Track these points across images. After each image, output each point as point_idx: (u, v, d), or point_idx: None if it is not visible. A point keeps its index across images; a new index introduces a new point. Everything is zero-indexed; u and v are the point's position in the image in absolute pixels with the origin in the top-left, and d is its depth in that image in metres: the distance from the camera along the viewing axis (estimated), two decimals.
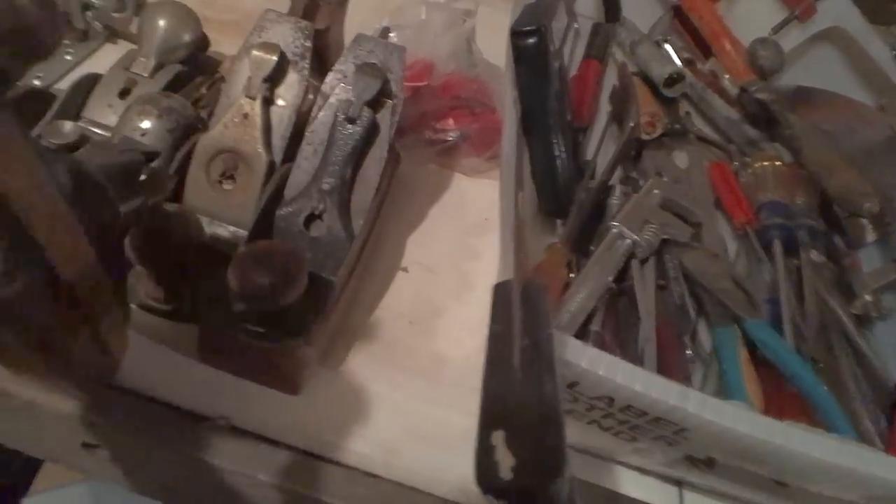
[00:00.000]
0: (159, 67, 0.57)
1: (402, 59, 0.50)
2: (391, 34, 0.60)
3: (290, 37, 0.51)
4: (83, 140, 0.51)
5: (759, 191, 0.64)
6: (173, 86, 0.57)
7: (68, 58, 0.60)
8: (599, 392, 0.34)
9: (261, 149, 0.50)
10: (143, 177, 0.39)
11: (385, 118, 0.50)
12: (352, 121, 0.48)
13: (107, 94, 0.55)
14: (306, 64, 0.51)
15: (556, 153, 0.54)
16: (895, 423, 0.49)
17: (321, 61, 0.54)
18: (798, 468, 0.35)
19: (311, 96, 0.52)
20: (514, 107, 0.49)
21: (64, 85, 0.56)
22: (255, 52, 0.50)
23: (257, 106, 0.50)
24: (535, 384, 0.23)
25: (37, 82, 0.58)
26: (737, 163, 0.69)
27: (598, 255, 0.52)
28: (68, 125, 0.50)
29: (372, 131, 0.49)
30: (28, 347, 0.27)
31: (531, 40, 0.51)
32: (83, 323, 0.30)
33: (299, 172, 0.50)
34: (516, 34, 0.51)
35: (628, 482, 0.46)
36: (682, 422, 0.34)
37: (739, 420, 0.33)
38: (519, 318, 0.27)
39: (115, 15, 0.60)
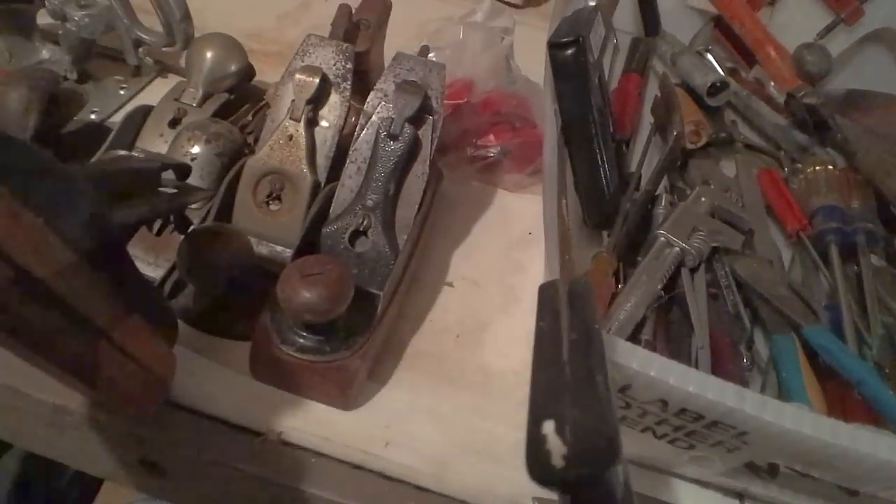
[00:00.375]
0: (207, 97, 0.59)
1: (441, 76, 0.51)
2: (430, 54, 0.61)
3: (331, 59, 0.52)
4: None
5: (812, 196, 0.62)
6: (221, 114, 0.59)
7: (122, 92, 0.63)
8: (652, 395, 0.34)
9: (306, 169, 0.51)
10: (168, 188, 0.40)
11: (426, 134, 0.50)
12: (394, 137, 0.49)
13: (158, 125, 0.57)
14: (348, 85, 0.52)
15: (600, 164, 0.54)
16: None
17: (363, 83, 0.55)
18: (866, 472, 0.33)
19: (353, 118, 0.53)
20: (555, 119, 0.49)
21: (119, 118, 0.58)
22: (298, 76, 0.51)
23: (301, 127, 0.51)
24: (585, 375, 0.23)
25: (93, 117, 0.60)
26: (787, 169, 0.67)
27: (646, 263, 0.51)
28: (120, 154, 0.52)
29: (414, 147, 0.50)
30: (22, 345, 0.28)
31: (569, 51, 0.51)
32: (78, 324, 0.30)
33: (344, 191, 0.50)
34: (554, 46, 0.51)
35: (687, 495, 0.44)
36: (741, 425, 0.33)
37: (802, 421, 0.32)
38: (566, 314, 0.26)
39: (165, 49, 0.62)
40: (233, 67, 0.61)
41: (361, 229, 0.48)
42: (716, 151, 0.71)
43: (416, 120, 0.50)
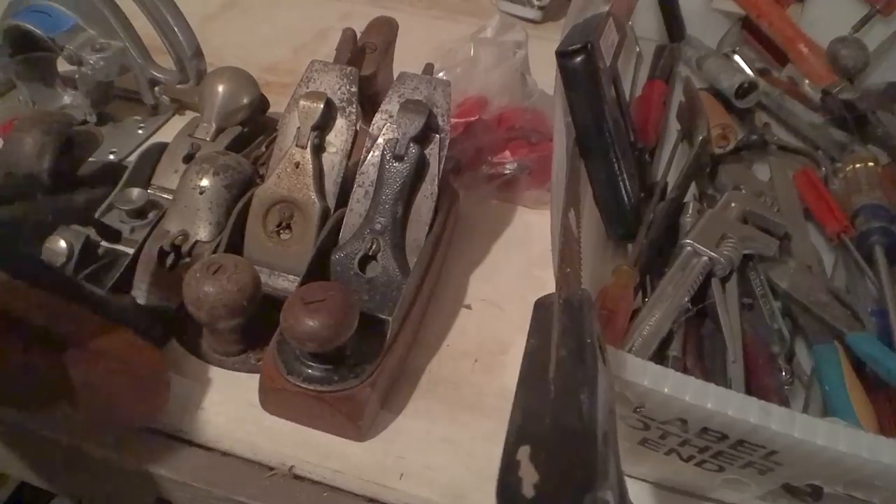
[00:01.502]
0: (221, 131, 0.59)
1: (446, 93, 0.50)
2: (440, 73, 0.60)
3: (336, 84, 0.52)
4: (150, 205, 0.53)
5: (853, 195, 0.58)
6: (235, 146, 0.59)
7: (140, 132, 0.64)
8: (669, 414, 0.31)
9: (314, 196, 0.50)
10: None
11: (433, 152, 0.49)
12: (399, 158, 0.48)
13: (173, 161, 0.57)
14: (353, 109, 0.52)
15: (618, 175, 0.51)
16: None
17: (372, 106, 0.54)
18: None
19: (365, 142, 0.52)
20: (565, 130, 0.47)
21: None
22: (302, 102, 0.50)
23: (308, 154, 0.50)
24: (569, 396, 0.21)
25: (112, 157, 0.61)
26: (824, 169, 0.64)
27: (671, 274, 0.48)
28: (136, 192, 0.53)
29: (421, 167, 0.48)
30: None
31: (578, 59, 0.49)
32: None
33: (353, 215, 0.49)
34: (563, 55, 0.49)
35: None
36: (768, 443, 0.30)
37: (836, 437, 0.29)
38: (558, 330, 0.24)
39: (180, 87, 0.63)
40: (245, 100, 0.61)
41: (371, 254, 0.47)
42: (748, 155, 0.68)
43: (422, 139, 0.49)
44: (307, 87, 0.52)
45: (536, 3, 0.89)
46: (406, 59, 0.60)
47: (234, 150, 0.59)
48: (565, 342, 0.24)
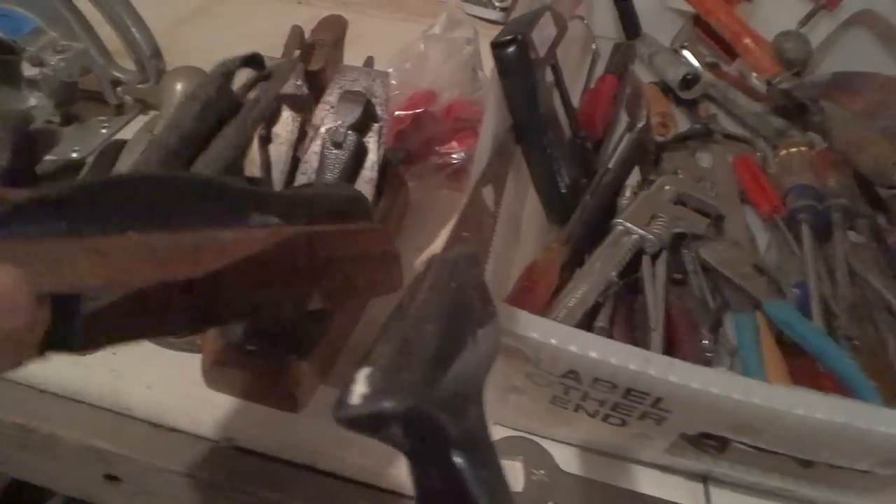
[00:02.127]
0: None
1: (385, 84, 0.52)
2: (390, 69, 0.62)
3: None
4: None
5: (786, 177, 0.60)
6: None
7: (104, 131, 0.66)
8: (562, 367, 0.33)
9: None
10: None
11: (372, 140, 0.51)
12: (338, 145, 0.50)
13: (131, 158, 0.59)
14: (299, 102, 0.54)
15: (552, 159, 0.54)
16: None
17: (319, 100, 0.56)
18: (799, 434, 0.32)
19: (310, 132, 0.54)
20: (492, 119, 0.49)
21: None
22: (249, 95, 0.53)
23: (255, 145, 0.53)
24: (417, 327, 0.23)
25: (74, 155, 0.63)
26: (759, 154, 0.66)
27: (601, 251, 0.50)
28: None
29: (359, 154, 0.51)
30: None
31: (510, 49, 0.51)
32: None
33: None
34: (496, 46, 0.52)
35: (649, 481, 0.43)
36: (651, 389, 0.32)
37: (710, 381, 0.31)
38: (430, 277, 0.27)
39: (140, 86, 0.66)
40: None
41: None
42: (694, 143, 0.70)
43: (361, 127, 0.51)
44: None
45: (498, 4, 0.92)
46: (362, 53, 0.62)
47: None
48: (434, 286, 0.26)
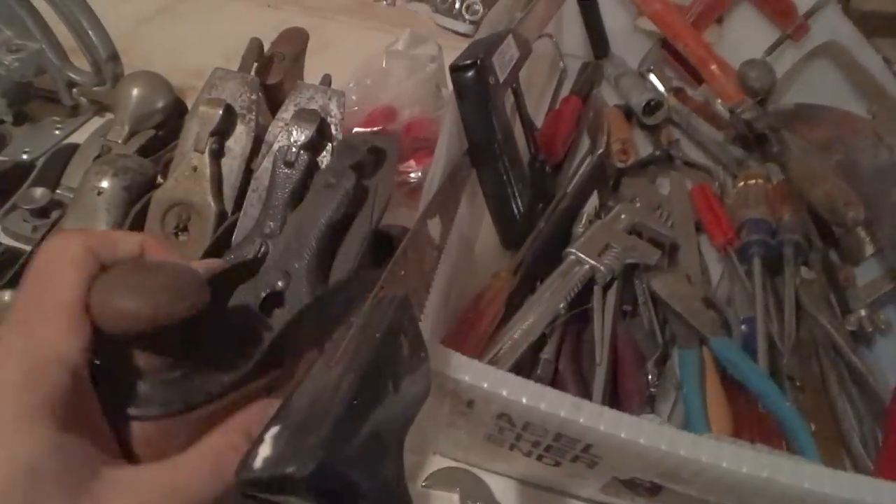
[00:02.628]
0: (134, 134, 0.61)
1: (340, 103, 0.52)
2: (351, 84, 0.62)
3: (237, 91, 0.53)
4: (53, 204, 0.54)
5: (741, 210, 0.61)
6: (148, 149, 0.61)
7: (57, 132, 0.65)
8: (494, 409, 0.33)
9: (210, 199, 0.51)
10: None
11: (325, 160, 0.51)
12: (290, 164, 0.49)
13: (83, 162, 0.58)
14: (253, 116, 0.53)
15: (507, 185, 0.53)
16: (885, 445, 0.44)
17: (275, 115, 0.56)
18: (725, 485, 0.32)
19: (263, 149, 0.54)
20: (446, 141, 0.49)
21: None
22: (202, 108, 0.52)
23: (206, 158, 0.52)
24: (336, 383, 0.22)
25: (25, 157, 0.62)
26: (717, 183, 0.66)
27: (550, 281, 0.50)
28: (39, 192, 0.54)
29: (310, 174, 0.50)
30: None
31: (469, 74, 0.51)
32: None
33: (246, 219, 0.51)
34: (454, 69, 0.51)
35: None
36: (581, 436, 0.32)
37: (637, 431, 0.31)
38: (358, 324, 0.26)
39: (96, 89, 0.64)
40: (159, 104, 0.62)
41: (259, 256, 0.49)
42: (655, 169, 0.70)
43: (315, 146, 0.50)
44: (209, 94, 0.54)
45: (468, 17, 0.91)
46: (337, 67, 0.61)
47: (147, 153, 0.60)
48: (357, 336, 0.25)
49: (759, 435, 0.44)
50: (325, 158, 0.51)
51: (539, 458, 0.37)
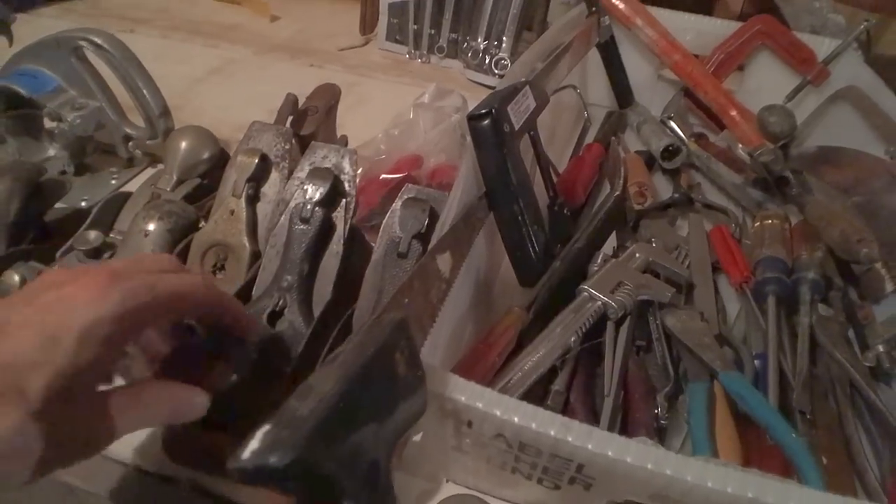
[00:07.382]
0: (181, 182, 0.66)
1: (353, 161, 0.55)
2: (379, 134, 0.66)
3: (272, 142, 0.58)
4: (106, 246, 0.59)
5: (758, 249, 0.62)
6: (194, 196, 0.66)
7: (113, 181, 0.71)
8: (491, 430, 0.35)
9: (245, 240, 0.56)
10: None
11: (340, 215, 0.54)
12: (305, 221, 0.52)
13: (135, 208, 0.64)
14: (286, 164, 0.58)
15: (523, 226, 0.56)
16: None
17: None
18: None
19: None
20: (461, 184, 0.52)
21: None
22: (239, 157, 0.57)
23: (242, 203, 0.56)
24: (322, 386, 0.25)
25: (83, 204, 0.67)
26: (734, 225, 0.68)
27: (563, 316, 0.52)
28: (93, 234, 0.59)
29: (326, 228, 0.53)
30: None
31: (484, 122, 0.54)
32: None
33: (265, 273, 0.53)
34: (471, 118, 0.55)
35: None
36: (572, 456, 0.34)
37: (625, 450, 0.32)
38: (354, 341, 0.29)
39: (149, 142, 0.70)
40: (205, 155, 0.68)
41: (278, 309, 0.51)
42: (674, 211, 0.72)
43: (329, 202, 0.53)
44: (247, 144, 0.58)
45: (497, 71, 0.96)
46: (372, 120, 0.66)
47: (193, 200, 0.65)
48: (353, 349, 0.28)
49: (770, 468, 0.44)
50: (338, 214, 0.54)
51: (539, 480, 0.38)
